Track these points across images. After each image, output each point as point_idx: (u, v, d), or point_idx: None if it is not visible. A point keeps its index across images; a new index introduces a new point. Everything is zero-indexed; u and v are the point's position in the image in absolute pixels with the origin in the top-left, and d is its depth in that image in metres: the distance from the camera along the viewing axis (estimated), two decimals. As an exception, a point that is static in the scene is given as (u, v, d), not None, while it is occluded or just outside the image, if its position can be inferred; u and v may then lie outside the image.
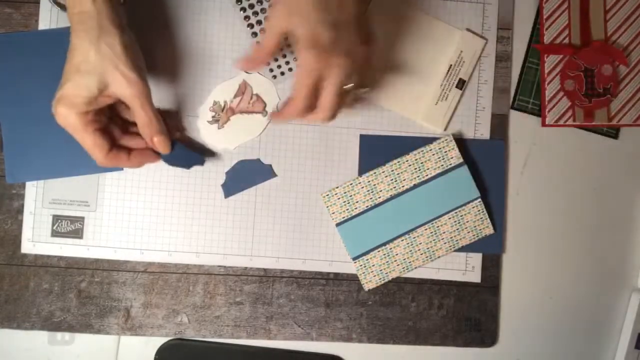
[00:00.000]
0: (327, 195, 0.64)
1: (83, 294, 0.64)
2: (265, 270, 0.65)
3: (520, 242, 0.67)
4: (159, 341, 0.65)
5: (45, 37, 0.64)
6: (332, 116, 0.54)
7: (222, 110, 0.63)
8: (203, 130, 0.64)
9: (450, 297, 0.66)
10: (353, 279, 0.65)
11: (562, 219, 0.67)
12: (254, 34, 0.65)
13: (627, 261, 0.68)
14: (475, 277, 0.66)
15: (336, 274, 0.65)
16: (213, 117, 0.64)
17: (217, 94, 0.64)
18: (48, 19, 0.64)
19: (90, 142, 0.53)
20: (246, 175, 0.65)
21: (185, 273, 0.65)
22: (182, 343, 0.65)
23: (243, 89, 0.64)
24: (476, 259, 0.66)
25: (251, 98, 0.64)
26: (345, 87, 0.53)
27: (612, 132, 0.68)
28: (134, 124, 0.56)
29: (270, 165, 0.65)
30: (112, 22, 0.52)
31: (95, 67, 0.51)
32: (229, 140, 0.64)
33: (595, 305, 0.68)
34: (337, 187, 0.64)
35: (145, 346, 0.65)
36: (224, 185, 0.65)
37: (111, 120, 0.57)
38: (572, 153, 0.68)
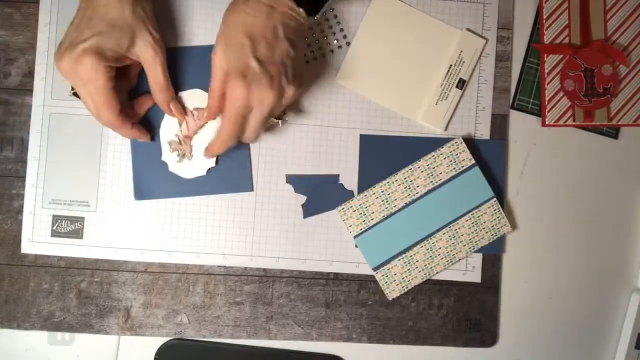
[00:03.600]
0: (343, 209, 0.64)
1: (83, 294, 0.64)
2: (265, 270, 0.65)
3: (520, 242, 0.67)
4: (159, 341, 0.65)
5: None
6: (255, 141, 0.60)
7: (181, 144, 0.63)
8: (180, 172, 0.63)
9: (450, 297, 0.66)
10: (353, 279, 0.65)
11: (562, 219, 0.67)
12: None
13: (627, 261, 0.68)
14: (475, 277, 0.66)
15: (336, 274, 0.65)
16: (178, 154, 0.63)
17: (166, 134, 0.63)
18: (48, 19, 0.64)
19: (107, 98, 0.55)
20: (326, 196, 0.65)
21: (185, 273, 0.65)
22: (182, 343, 0.65)
23: None
24: (476, 259, 0.66)
25: (193, 115, 0.63)
26: (269, 119, 0.58)
27: (612, 132, 0.68)
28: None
29: (352, 192, 0.65)
30: None
31: (130, 25, 0.55)
32: (207, 160, 0.63)
33: (595, 305, 0.68)
34: (351, 200, 0.64)
35: (145, 346, 0.65)
36: (303, 205, 0.65)
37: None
38: (572, 153, 0.68)
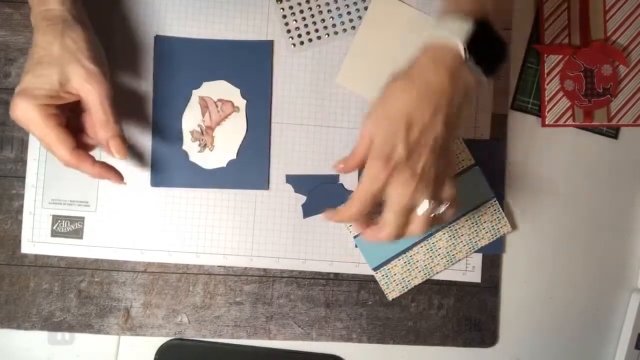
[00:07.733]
0: None
1: (83, 294, 0.64)
2: (265, 270, 0.65)
3: (520, 242, 0.67)
4: (159, 341, 0.65)
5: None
6: (395, 235, 0.50)
7: (203, 134, 0.63)
8: (200, 162, 0.64)
9: (450, 297, 0.66)
10: (353, 279, 0.65)
11: (561, 219, 0.67)
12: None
13: (627, 261, 0.68)
14: (475, 277, 0.66)
15: (336, 274, 0.65)
16: (199, 144, 0.64)
17: (187, 123, 0.64)
18: (48, 19, 0.64)
19: (54, 136, 0.51)
20: (326, 196, 0.65)
21: (185, 273, 0.65)
22: (182, 343, 0.65)
23: (205, 103, 0.64)
24: (476, 259, 0.66)
25: (217, 106, 0.64)
26: (420, 210, 0.50)
27: (612, 132, 0.68)
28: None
29: (352, 192, 0.64)
30: (75, 18, 0.53)
31: (58, 60, 0.51)
32: (228, 152, 0.64)
33: (595, 305, 0.68)
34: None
35: (145, 346, 0.65)
36: (303, 205, 0.65)
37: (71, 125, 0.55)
38: (572, 153, 0.68)
